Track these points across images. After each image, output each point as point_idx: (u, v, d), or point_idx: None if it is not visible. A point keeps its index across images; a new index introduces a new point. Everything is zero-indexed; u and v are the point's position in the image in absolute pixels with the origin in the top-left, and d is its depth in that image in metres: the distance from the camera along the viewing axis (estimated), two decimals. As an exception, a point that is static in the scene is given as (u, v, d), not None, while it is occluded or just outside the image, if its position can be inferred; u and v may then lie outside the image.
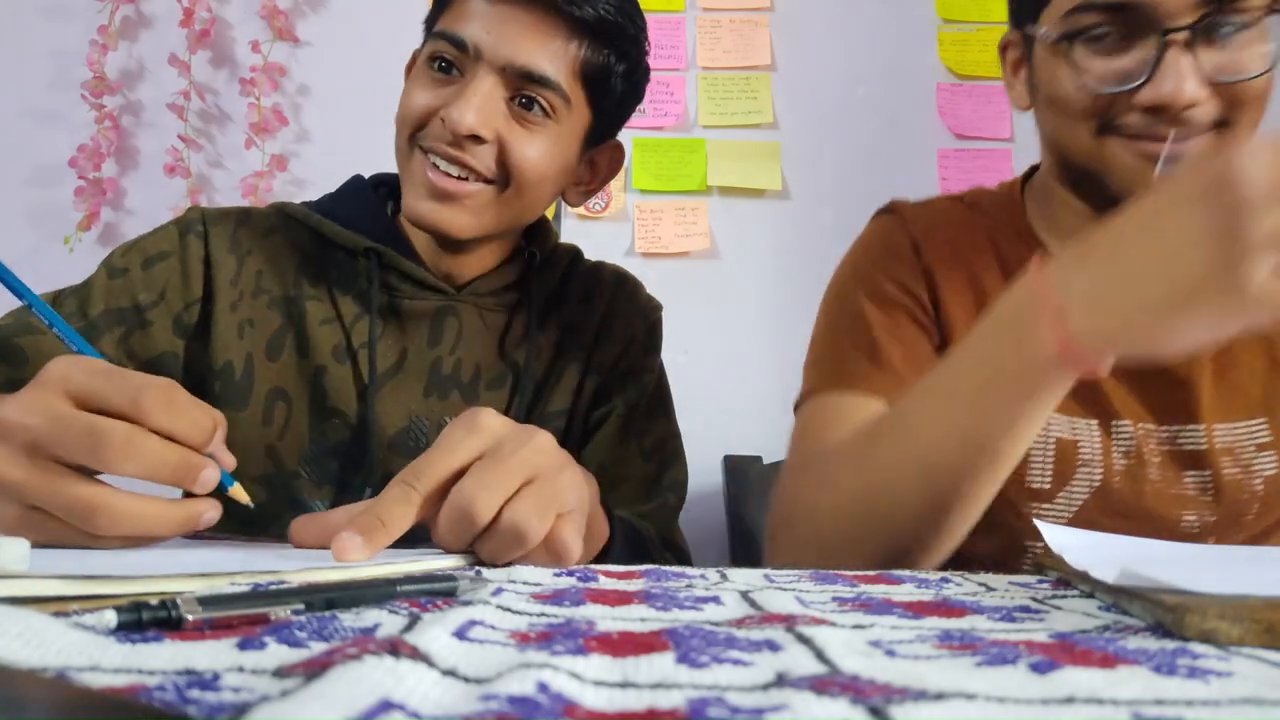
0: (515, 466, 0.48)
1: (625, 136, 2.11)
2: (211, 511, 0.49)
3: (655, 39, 1.88)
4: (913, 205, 0.90)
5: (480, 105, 0.76)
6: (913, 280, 0.84)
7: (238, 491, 0.52)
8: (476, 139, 0.77)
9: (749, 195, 1.90)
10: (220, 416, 0.52)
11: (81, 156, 1.84)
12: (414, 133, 0.80)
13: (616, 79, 0.83)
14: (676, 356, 1.82)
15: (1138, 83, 0.69)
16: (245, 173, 1.87)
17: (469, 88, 0.77)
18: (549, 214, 2.02)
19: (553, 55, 0.78)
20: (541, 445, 0.49)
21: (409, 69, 0.87)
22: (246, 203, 1.83)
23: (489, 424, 0.49)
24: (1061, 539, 0.51)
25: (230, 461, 0.53)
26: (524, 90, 0.78)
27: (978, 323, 0.60)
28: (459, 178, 0.78)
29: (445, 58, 0.78)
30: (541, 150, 0.80)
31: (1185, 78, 0.67)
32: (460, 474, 0.48)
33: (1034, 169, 0.89)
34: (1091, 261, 0.52)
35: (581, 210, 1.87)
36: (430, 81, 0.79)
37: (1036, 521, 0.55)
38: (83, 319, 0.79)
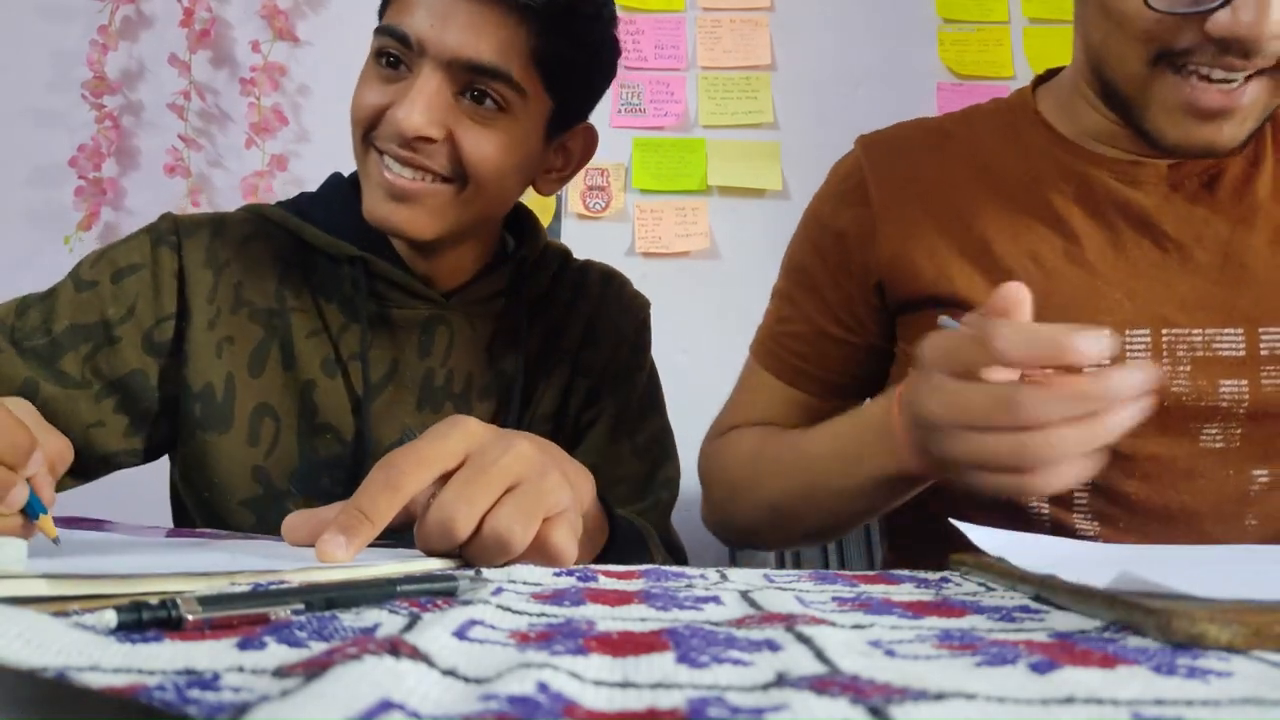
0: (495, 476, 0.47)
1: (625, 136, 2.10)
2: (23, 530, 0.47)
3: (655, 39, 1.90)
4: (878, 138, 0.87)
5: (426, 105, 0.73)
6: (843, 247, 0.84)
7: (45, 524, 0.48)
8: (426, 139, 0.74)
9: (749, 195, 1.90)
10: (59, 449, 0.50)
11: (81, 156, 1.84)
12: (366, 131, 0.77)
13: (577, 63, 0.79)
14: (676, 356, 1.82)
15: (1215, 4, 0.60)
16: (245, 173, 1.87)
17: (414, 87, 0.73)
18: (549, 214, 2.02)
19: (501, 46, 0.74)
20: (523, 451, 0.49)
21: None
22: (247, 203, 1.83)
23: (471, 430, 0.49)
24: (993, 541, 0.50)
25: (50, 496, 0.49)
26: (473, 84, 0.74)
27: (865, 417, 0.70)
28: (414, 178, 0.76)
29: (391, 53, 0.75)
30: (497, 145, 0.76)
31: (1273, 3, 0.58)
32: (443, 478, 0.48)
33: (1049, 72, 0.85)
34: (925, 438, 0.58)
35: (581, 210, 1.88)
36: (378, 78, 0.76)
37: (959, 524, 0.54)
38: (46, 335, 0.76)
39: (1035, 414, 0.49)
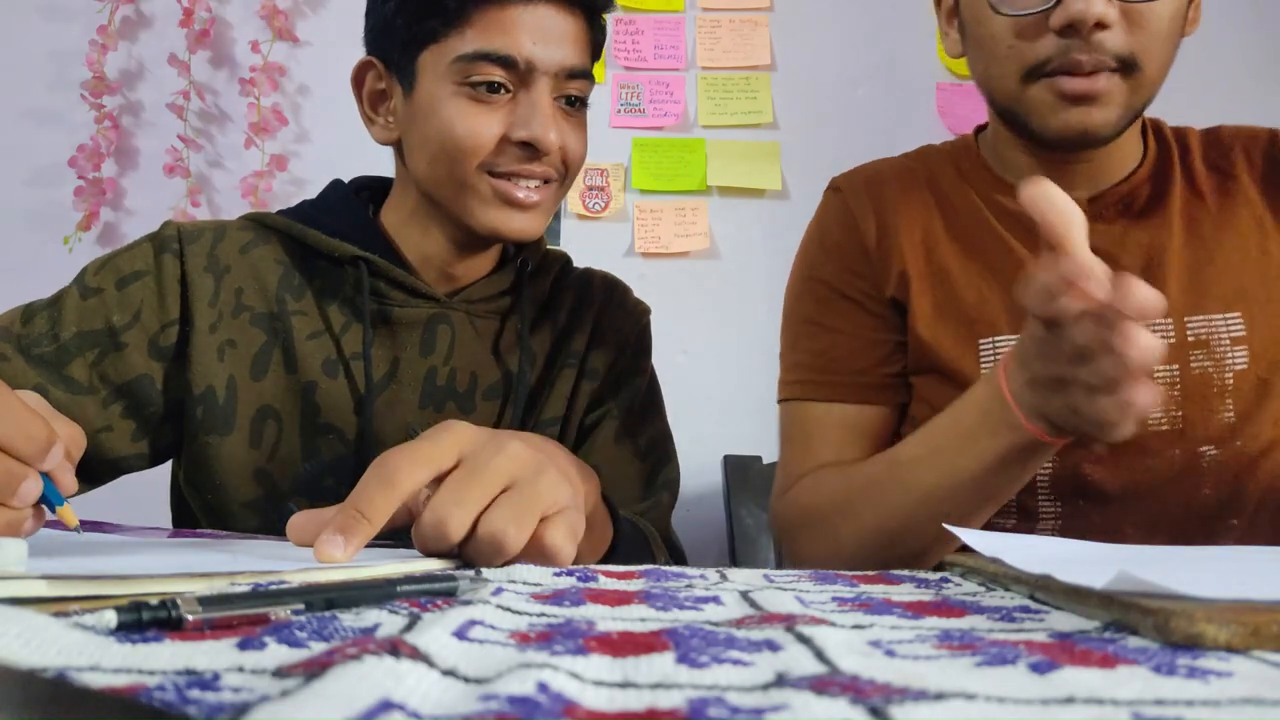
0: (489, 477, 0.47)
1: (625, 136, 2.10)
2: (31, 522, 0.46)
3: (655, 39, 1.90)
4: (852, 177, 0.95)
5: (552, 119, 0.79)
6: (858, 261, 0.89)
7: (65, 513, 0.48)
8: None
9: (749, 195, 1.90)
10: (72, 435, 0.49)
11: (81, 156, 1.84)
12: (481, 161, 0.79)
13: (603, 40, 0.87)
14: (676, 356, 1.82)
15: (1050, 4, 0.73)
16: (245, 173, 1.87)
17: (534, 105, 0.78)
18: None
19: (584, 47, 0.81)
20: (517, 452, 0.49)
21: (358, 79, 0.85)
22: (247, 203, 1.83)
23: (465, 432, 0.49)
24: (987, 543, 0.50)
25: (70, 484, 0.49)
26: (570, 86, 0.80)
27: (965, 404, 0.70)
28: (538, 187, 0.81)
29: (497, 79, 0.78)
30: (583, 135, 0.84)
31: None
32: (440, 480, 0.48)
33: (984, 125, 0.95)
34: (1032, 392, 0.63)
35: (581, 210, 1.88)
36: (481, 105, 0.78)
37: (951, 528, 0.56)
38: (54, 342, 0.77)
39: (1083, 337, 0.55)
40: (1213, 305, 0.82)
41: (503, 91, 0.78)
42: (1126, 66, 0.74)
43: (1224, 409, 0.80)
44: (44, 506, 0.47)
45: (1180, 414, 0.80)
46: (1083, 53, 0.73)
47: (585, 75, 0.81)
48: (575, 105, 0.82)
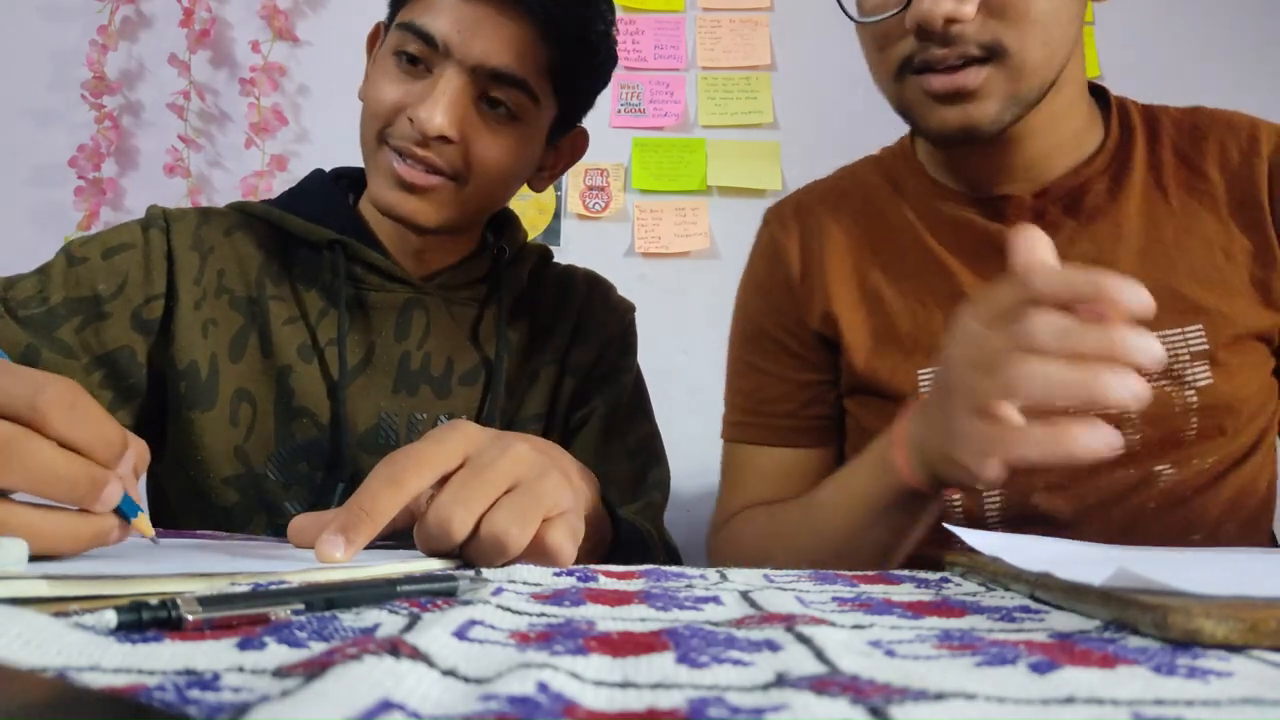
0: (493, 477, 0.48)
1: (625, 136, 2.09)
2: (118, 531, 0.43)
3: (655, 39, 1.90)
4: (780, 208, 0.94)
5: (448, 107, 0.75)
6: (782, 298, 0.89)
7: (141, 523, 0.45)
8: (443, 139, 0.77)
9: (749, 195, 1.90)
10: (137, 442, 0.46)
11: (81, 156, 1.84)
12: (383, 128, 0.79)
13: (585, 73, 0.83)
14: (676, 356, 1.82)
15: (901, 8, 0.70)
16: (245, 173, 1.86)
17: (437, 88, 0.76)
18: (549, 213, 2.01)
19: (522, 56, 0.77)
20: (521, 453, 0.49)
21: (371, 41, 0.87)
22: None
23: (470, 433, 0.50)
24: (987, 542, 0.50)
25: (139, 497, 0.46)
26: (492, 90, 0.77)
27: (867, 452, 0.69)
28: (425, 171, 0.79)
29: (411, 51, 0.77)
30: (505, 148, 0.80)
31: None
32: (444, 480, 0.48)
33: None
34: (918, 419, 0.62)
35: (581, 210, 1.88)
36: (397, 75, 0.78)
37: (953, 528, 0.55)
38: (43, 304, 0.78)
39: (1040, 334, 0.50)
40: (1171, 320, 0.76)
41: (421, 67, 0.77)
42: (994, 54, 0.70)
43: (1188, 427, 0.76)
44: (122, 516, 0.44)
45: (1137, 436, 0.76)
46: (940, 47, 0.70)
47: (517, 84, 0.77)
48: (499, 110, 0.78)
